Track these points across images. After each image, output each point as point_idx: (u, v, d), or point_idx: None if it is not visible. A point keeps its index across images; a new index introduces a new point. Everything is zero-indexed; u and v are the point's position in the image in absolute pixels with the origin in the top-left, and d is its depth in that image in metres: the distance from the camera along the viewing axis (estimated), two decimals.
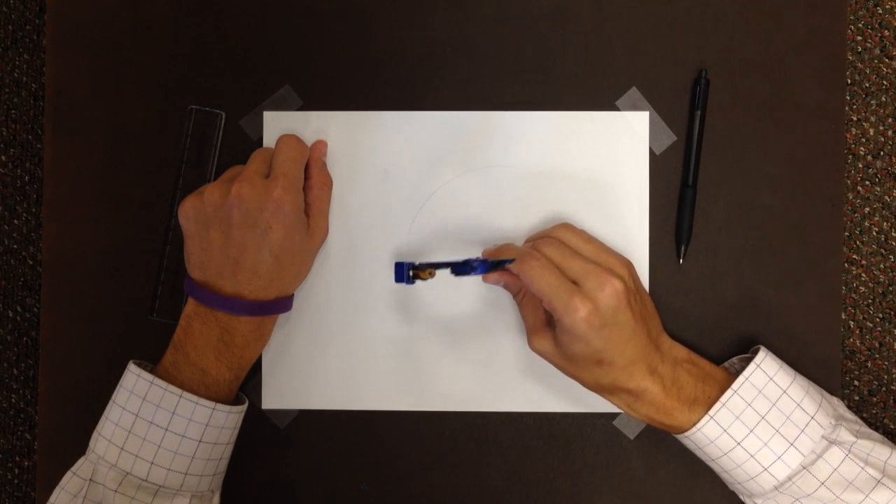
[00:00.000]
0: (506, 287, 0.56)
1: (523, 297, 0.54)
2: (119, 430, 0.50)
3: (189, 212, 0.52)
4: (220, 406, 0.51)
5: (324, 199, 0.57)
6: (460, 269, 0.51)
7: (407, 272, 0.52)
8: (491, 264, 0.51)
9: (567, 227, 0.53)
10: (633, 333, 0.49)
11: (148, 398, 0.50)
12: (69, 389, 0.59)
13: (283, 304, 0.54)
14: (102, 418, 0.51)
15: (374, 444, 0.59)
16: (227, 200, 0.51)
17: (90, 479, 0.50)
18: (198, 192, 0.53)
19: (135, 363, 0.52)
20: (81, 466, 0.51)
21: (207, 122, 0.59)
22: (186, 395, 0.50)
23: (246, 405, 0.54)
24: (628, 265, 0.51)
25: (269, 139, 0.58)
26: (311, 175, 0.56)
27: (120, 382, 0.52)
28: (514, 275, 0.53)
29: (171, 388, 0.50)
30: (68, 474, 0.50)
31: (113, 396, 0.52)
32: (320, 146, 0.57)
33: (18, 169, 0.86)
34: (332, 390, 0.58)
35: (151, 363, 0.54)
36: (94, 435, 0.51)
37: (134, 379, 0.51)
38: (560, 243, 0.51)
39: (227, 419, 0.52)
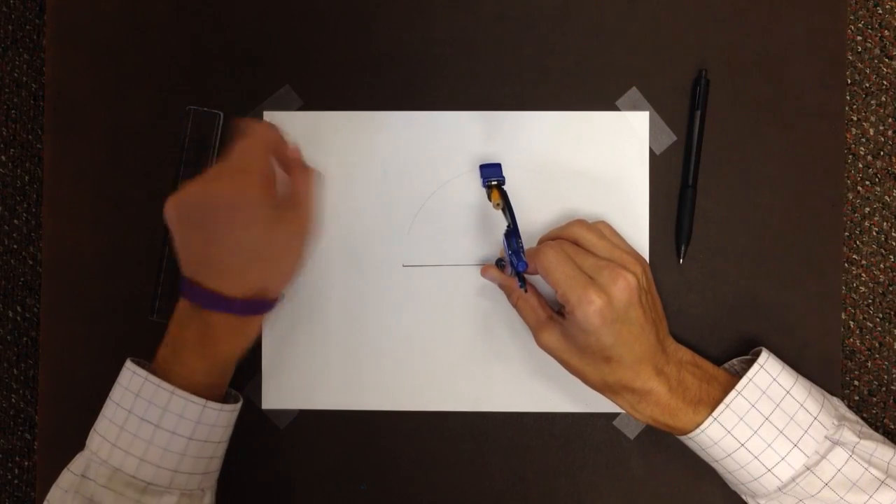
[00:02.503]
0: (501, 286, 0.56)
1: (518, 298, 0.54)
2: (112, 426, 0.50)
3: (170, 211, 0.52)
4: (210, 403, 0.51)
5: (307, 195, 0.55)
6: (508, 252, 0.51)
7: (490, 180, 0.53)
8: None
9: (581, 224, 0.53)
10: (642, 331, 0.49)
11: (141, 394, 0.50)
12: (69, 389, 0.59)
13: (265, 304, 0.53)
14: (99, 415, 0.51)
15: (374, 444, 0.59)
16: (203, 198, 0.51)
17: (82, 475, 0.50)
18: (178, 190, 0.52)
19: (132, 360, 0.52)
20: (76, 462, 0.51)
21: (206, 122, 0.59)
22: (178, 391, 0.50)
23: (239, 404, 0.54)
24: (643, 263, 0.52)
25: None
26: (294, 174, 0.55)
27: (117, 379, 0.52)
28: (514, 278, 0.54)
29: (164, 384, 0.50)
30: (65, 471, 0.51)
31: (110, 394, 0.52)
32: (293, 151, 0.55)
33: (18, 169, 0.86)
34: (332, 390, 0.58)
35: (150, 362, 0.54)
36: (91, 432, 0.51)
37: (129, 375, 0.51)
38: (572, 244, 0.51)
39: (218, 417, 0.51)
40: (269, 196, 0.51)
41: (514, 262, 0.50)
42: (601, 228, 0.53)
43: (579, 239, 0.52)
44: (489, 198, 0.53)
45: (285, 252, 0.54)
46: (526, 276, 0.55)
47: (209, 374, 0.52)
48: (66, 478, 0.50)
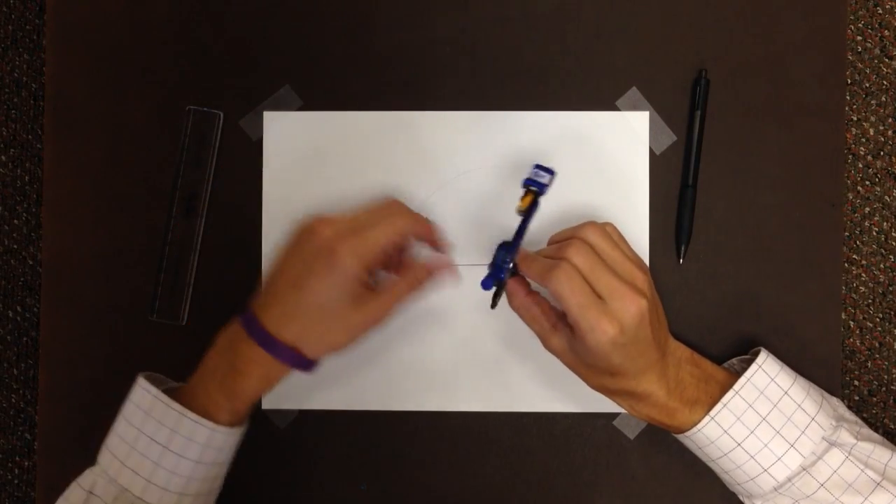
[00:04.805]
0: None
1: (519, 305, 0.52)
2: (122, 445, 0.49)
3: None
4: (220, 427, 0.49)
5: (398, 296, 0.51)
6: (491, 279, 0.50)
7: (531, 186, 0.51)
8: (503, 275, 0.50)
9: (594, 228, 0.50)
10: (649, 347, 0.48)
11: (151, 413, 0.49)
12: (69, 389, 0.59)
13: (299, 360, 0.50)
14: (110, 431, 0.50)
15: (374, 444, 0.59)
16: (303, 232, 0.49)
17: (90, 491, 0.49)
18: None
19: (144, 376, 0.50)
20: (86, 477, 0.50)
21: (206, 122, 0.59)
22: (188, 413, 0.48)
23: (246, 426, 0.53)
24: (646, 271, 0.49)
25: (269, 139, 0.58)
26: (404, 271, 0.52)
27: (128, 395, 0.50)
28: (518, 283, 0.52)
29: (174, 404, 0.48)
30: (73, 484, 0.50)
31: (121, 409, 0.50)
32: (443, 248, 0.53)
33: (18, 169, 0.86)
34: (332, 390, 0.58)
35: (154, 367, 0.53)
36: (102, 447, 0.50)
37: (141, 393, 0.49)
38: (589, 250, 0.48)
39: (226, 440, 0.50)
40: (355, 267, 0.48)
41: (492, 274, 0.50)
42: (611, 234, 0.50)
43: (594, 246, 0.49)
44: (520, 198, 0.51)
45: (340, 323, 0.50)
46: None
47: (224, 409, 0.50)
48: (75, 493, 0.49)
